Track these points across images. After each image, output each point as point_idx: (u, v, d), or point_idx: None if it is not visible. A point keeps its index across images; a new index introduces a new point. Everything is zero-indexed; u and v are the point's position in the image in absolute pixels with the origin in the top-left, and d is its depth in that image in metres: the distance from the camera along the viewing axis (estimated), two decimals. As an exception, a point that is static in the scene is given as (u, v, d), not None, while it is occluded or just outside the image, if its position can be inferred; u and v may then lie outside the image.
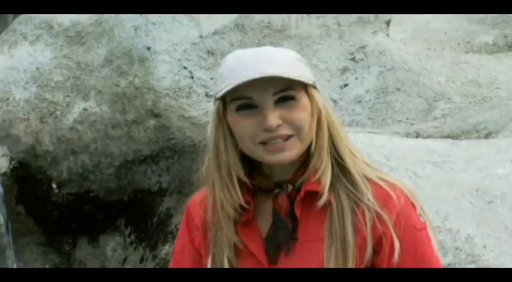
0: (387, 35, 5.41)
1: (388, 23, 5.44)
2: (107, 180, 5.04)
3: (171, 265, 2.40)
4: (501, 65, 5.35)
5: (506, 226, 3.92)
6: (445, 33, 5.68)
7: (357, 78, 5.05)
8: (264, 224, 2.25)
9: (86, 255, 5.12)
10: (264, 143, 2.16)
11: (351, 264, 2.18)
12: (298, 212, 2.22)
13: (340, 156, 2.22)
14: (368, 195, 2.22)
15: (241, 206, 2.25)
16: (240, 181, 2.24)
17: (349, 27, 5.31)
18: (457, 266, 3.71)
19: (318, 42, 5.17)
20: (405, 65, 5.19)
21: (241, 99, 2.16)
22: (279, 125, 2.14)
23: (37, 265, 5.07)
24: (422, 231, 2.24)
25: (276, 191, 2.24)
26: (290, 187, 2.23)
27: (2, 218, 4.92)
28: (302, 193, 2.21)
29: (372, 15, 5.38)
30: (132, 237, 5.08)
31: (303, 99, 2.18)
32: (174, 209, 4.99)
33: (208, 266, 2.26)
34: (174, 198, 5.01)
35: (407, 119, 5.03)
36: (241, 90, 2.14)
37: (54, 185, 5.02)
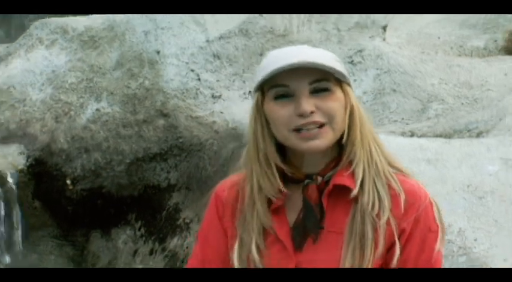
0: (384, 39, 5.39)
1: (384, 28, 5.41)
2: (118, 176, 5.04)
3: (195, 248, 2.35)
4: (491, 68, 5.31)
5: (496, 220, 3.90)
6: (439, 37, 5.65)
7: (355, 81, 5.00)
8: (291, 213, 2.23)
9: (98, 248, 5.12)
10: (298, 130, 2.15)
11: (367, 261, 2.16)
12: (325, 203, 2.20)
13: (371, 154, 2.20)
14: (388, 196, 2.18)
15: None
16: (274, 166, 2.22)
17: (348, 32, 5.29)
18: (449, 258, 3.70)
19: (318, 46, 5.10)
20: (401, 68, 5.16)
21: (279, 86, 2.16)
22: (312, 112, 2.14)
23: (52, 257, 5.07)
24: (434, 233, 2.21)
25: (306, 181, 2.21)
26: (320, 178, 2.21)
27: (18, 214, 4.93)
28: (330, 186, 2.19)
29: (369, 21, 5.34)
30: (142, 230, 5.06)
31: (337, 92, 2.17)
32: (181, 203, 4.99)
33: (235, 249, 2.24)
34: (182, 194, 5.01)
35: (403, 119, 5.01)
36: (279, 79, 2.15)
37: (68, 181, 5.02)
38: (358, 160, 2.19)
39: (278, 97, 2.17)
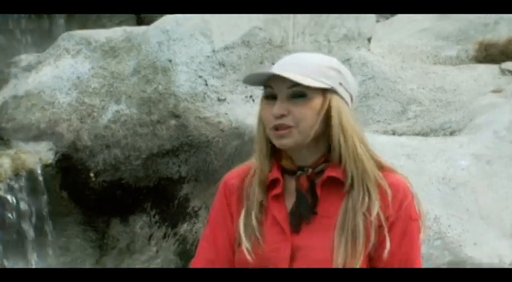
0: (368, 49, 5.39)
1: (369, 39, 5.41)
2: (135, 170, 5.02)
3: (206, 230, 2.35)
4: (463, 75, 5.35)
5: (468, 209, 3.95)
6: (417, 48, 5.67)
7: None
8: (290, 200, 2.23)
9: (118, 232, 5.11)
10: (275, 129, 2.17)
11: (359, 254, 2.14)
12: (319, 191, 2.20)
13: (356, 153, 2.18)
14: (376, 193, 2.17)
15: (272, 182, 2.24)
16: (274, 159, 2.25)
17: (337, 43, 5.28)
18: (426, 242, 3.70)
19: None
20: (383, 75, 5.19)
21: (267, 87, 2.19)
22: (283, 115, 2.15)
23: (78, 241, 5.05)
24: (415, 222, 2.20)
25: (299, 172, 2.21)
26: (310, 170, 2.20)
27: (45, 204, 4.91)
28: (325, 177, 2.19)
29: (355, 33, 5.33)
30: (157, 217, 5.05)
31: (315, 99, 2.16)
32: (191, 194, 4.97)
33: (241, 217, 2.25)
34: (191, 185, 4.99)
35: (385, 119, 5.02)
36: (268, 82, 2.18)
37: (91, 174, 5.01)
38: (345, 158, 2.17)
39: (267, 97, 2.20)
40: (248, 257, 2.20)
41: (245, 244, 2.21)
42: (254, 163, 2.26)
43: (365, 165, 2.17)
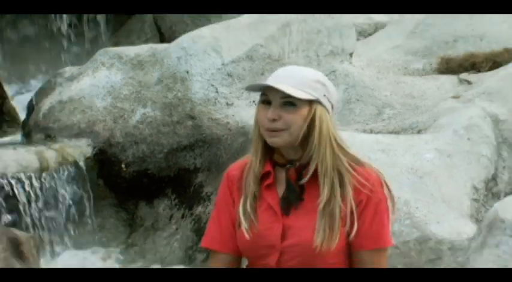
0: (350, 63, 5.37)
1: (351, 54, 5.39)
2: (158, 162, 5.01)
3: (213, 213, 2.33)
4: (428, 83, 5.31)
5: (432, 194, 3.93)
6: (390, 62, 5.63)
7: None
8: (280, 188, 2.21)
9: (144, 213, 5.09)
10: (269, 130, 2.15)
11: (335, 236, 2.13)
12: (306, 181, 2.18)
13: (332, 151, 2.16)
14: (351, 182, 2.15)
15: (265, 174, 2.22)
16: (267, 154, 2.22)
17: (324, 58, 5.27)
18: (398, 221, 3.68)
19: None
20: (363, 83, 5.15)
21: (264, 95, 2.18)
22: (275, 119, 2.13)
23: (112, 220, 5.04)
24: (383, 202, 2.19)
25: (288, 166, 2.20)
26: (297, 164, 2.19)
27: (85, 189, 4.91)
28: (310, 170, 2.16)
29: (340, 49, 5.31)
30: (176, 201, 5.04)
31: (303, 108, 2.15)
32: (204, 181, 4.97)
33: (240, 204, 2.22)
34: (205, 174, 4.99)
35: (364, 120, 4.99)
36: (265, 90, 2.17)
37: (123, 165, 5.00)
38: (319, 157, 2.16)
39: (263, 102, 2.17)
40: (246, 236, 2.20)
41: (244, 225, 2.20)
42: (250, 158, 2.25)
43: (338, 161, 2.16)
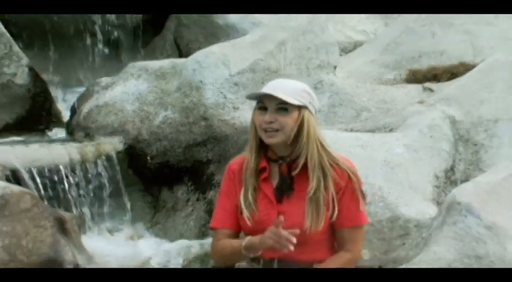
0: (334, 74, 5.37)
1: (335, 67, 5.38)
2: (178, 155, 4.99)
3: (218, 201, 2.30)
4: (398, 91, 5.29)
5: (401, 182, 3.93)
6: (367, 73, 5.61)
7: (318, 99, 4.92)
8: (275, 180, 2.24)
9: (166, 197, 5.06)
10: (265, 131, 2.17)
11: (321, 220, 2.13)
12: (295, 174, 2.19)
13: (317, 150, 2.18)
14: (331, 174, 2.15)
15: (262, 168, 2.22)
16: (262, 152, 2.22)
17: (313, 70, 5.24)
18: (373, 203, 3.65)
19: (297, 78, 5.03)
20: (344, 91, 5.13)
21: (260, 102, 2.20)
22: (272, 122, 2.17)
23: (139, 203, 5.02)
24: (358, 190, 2.21)
25: (280, 161, 2.23)
26: (288, 159, 2.22)
27: (118, 177, 4.90)
28: (300, 164, 2.18)
29: (326, 63, 5.27)
30: (192, 187, 5.02)
31: (294, 112, 2.18)
32: (215, 171, 4.94)
33: (241, 195, 2.20)
34: (215, 165, 4.96)
35: (345, 121, 4.97)
36: (263, 97, 2.19)
37: (148, 158, 4.98)
38: (308, 154, 2.17)
39: (260, 108, 2.19)
40: (247, 222, 2.22)
41: (245, 213, 2.21)
42: (247, 154, 2.26)
43: (321, 157, 2.18)
